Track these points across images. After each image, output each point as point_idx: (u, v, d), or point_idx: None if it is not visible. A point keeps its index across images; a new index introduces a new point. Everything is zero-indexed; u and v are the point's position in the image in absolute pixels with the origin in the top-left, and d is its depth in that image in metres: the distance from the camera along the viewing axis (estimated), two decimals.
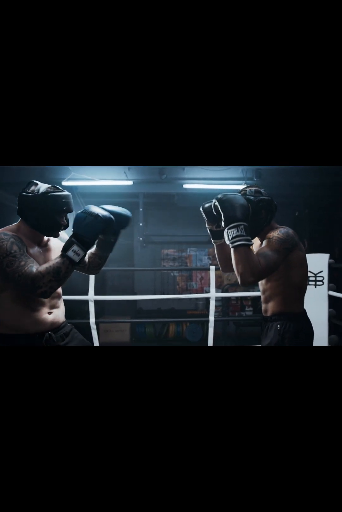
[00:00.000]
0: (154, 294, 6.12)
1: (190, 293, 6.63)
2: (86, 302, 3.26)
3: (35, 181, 1.45)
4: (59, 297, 1.54)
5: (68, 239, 1.33)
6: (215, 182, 5.04)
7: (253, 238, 1.54)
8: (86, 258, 1.65)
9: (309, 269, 3.05)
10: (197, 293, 6.70)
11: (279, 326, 1.57)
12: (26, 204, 1.40)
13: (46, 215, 1.40)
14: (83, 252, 1.31)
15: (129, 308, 6.05)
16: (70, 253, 1.30)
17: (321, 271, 3.23)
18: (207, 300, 6.26)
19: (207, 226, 1.72)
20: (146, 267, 6.08)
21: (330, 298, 3.26)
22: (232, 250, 1.37)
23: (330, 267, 3.27)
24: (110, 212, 1.46)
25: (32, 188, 1.42)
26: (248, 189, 1.60)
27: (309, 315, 1.65)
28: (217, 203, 1.43)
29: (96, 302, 3.34)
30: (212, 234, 1.73)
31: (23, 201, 1.41)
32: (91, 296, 3.23)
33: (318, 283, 3.24)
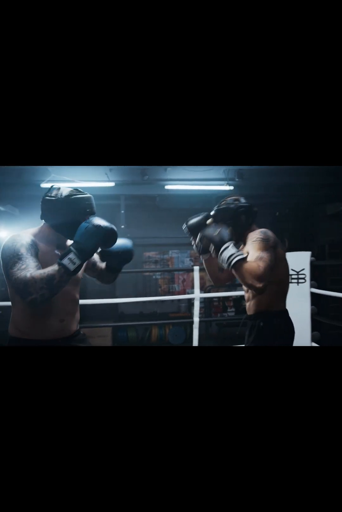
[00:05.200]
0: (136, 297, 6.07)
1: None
2: None
3: (56, 185, 1.47)
4: (74, 303, 1.51)
5: (67, 247, 1.32)
6: (197, 183, 5.04)
7: (237, 243, 1.64)
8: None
9: (291, 268, 3.09)
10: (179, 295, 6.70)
11: (262, 323, 1.61)
12: (50, 208, 1.42)
13: (70, 218, 1.41)
14: (79, 261, 1.29)
15: (110, 313, 5.95)
16: (65, 261, 1.27)
17: (303, 269, 3.27)
18: (189, 302, 6.29)
19: (192, 244, 1.77)
20: (128, 270, 6.00)
21: (312, 295, 3.31)
22: (232, 271, 1.43)
23: (312, 264, 3.32)
24: (115, 250, 1.53)
25: (55, 192, 1.43)
26: (228, 198, 1.70)
27: (292, 312, 1.68)
28: (202, 238, 1.54)
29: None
30: (199, 250, 1.77)
31: (46, 205, 1.43)
32: None
33: (300, 280, 3.28)
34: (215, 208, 1.71)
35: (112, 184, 4.98)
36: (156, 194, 5.49)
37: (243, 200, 1.69)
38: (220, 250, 1.45)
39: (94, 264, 1.66)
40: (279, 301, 1.65)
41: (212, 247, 1.49)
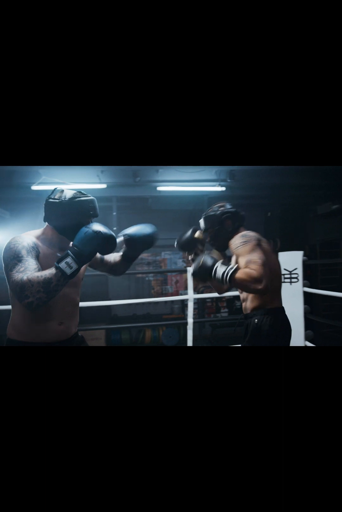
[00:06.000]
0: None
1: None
2: None
3: (59, 187, 1.46)
4: (74, 306, 1.51)
5: (65, 251, 1.32)
6: (189, 184, 5.04)
7: (225, 249, 1.72)
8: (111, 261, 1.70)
9: (284, 267, 3.08)
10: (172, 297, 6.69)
11: (256, 320, 1.62)
12: (53, 210, 1.42)
13: (74, 220, 1.40)
14: (76, 265, 1.29)
15: (104, 315, 5.92)
16: (62, 265, 1.27)
17: (296, 269, 3.29)
18: (183, 303, 6.28)
19: (189, 259, 1.79)
20: None
21: (305, 294, 3.32)
22: (231, 285, 1.47)
23: (304, 264, 3.33)
24: (139, 235, 1.55)
25: (59, 194, 1.43)
26: (214, 206, 1.76)
27: (286, 312, 1.68)
28: (195, 275, 1.56)
29: None
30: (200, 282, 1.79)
31: (50, 208, 1.43)
32: None
33: (293, 280, 3.29)
34: (203, 216, 1.76)
35: (104, 186, 4.96)
36: (149, 196, 5.48)
37: (228, 205, 1.74)
38: (212, 275, 1.49)
39: (102, 259, 1.67)
40: (274, 298, 1.65)
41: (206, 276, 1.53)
